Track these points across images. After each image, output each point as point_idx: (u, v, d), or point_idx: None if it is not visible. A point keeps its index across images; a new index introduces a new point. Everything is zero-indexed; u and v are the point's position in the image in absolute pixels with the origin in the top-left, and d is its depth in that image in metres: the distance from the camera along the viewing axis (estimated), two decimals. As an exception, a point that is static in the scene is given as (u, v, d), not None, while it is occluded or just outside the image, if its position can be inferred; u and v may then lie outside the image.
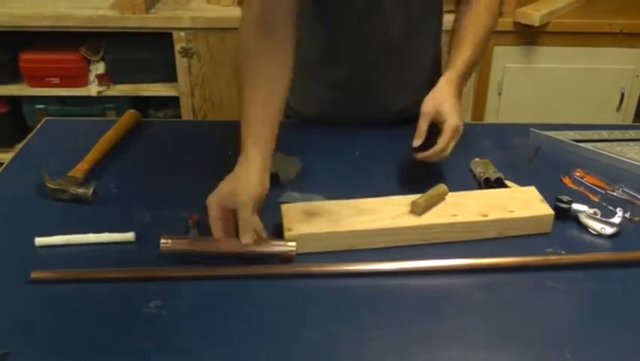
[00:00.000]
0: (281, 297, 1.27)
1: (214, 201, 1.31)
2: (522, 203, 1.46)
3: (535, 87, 3.14)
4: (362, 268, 1.33)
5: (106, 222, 1.45)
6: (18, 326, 1.19)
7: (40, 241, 1.38)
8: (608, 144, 1.80)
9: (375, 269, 1.32)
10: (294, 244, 1.34)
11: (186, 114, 3.25)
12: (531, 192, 1.51)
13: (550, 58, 3.10)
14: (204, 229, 1.40)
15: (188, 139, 1.88)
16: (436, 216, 1.42)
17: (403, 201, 1.46)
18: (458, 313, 1.25)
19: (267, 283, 1.30)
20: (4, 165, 1.71)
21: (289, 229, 1.38)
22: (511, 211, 1.44)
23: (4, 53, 3.20)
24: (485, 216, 1.42)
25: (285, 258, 1.34)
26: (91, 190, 1.53)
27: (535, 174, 1.64)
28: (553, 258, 1.37)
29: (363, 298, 1.27)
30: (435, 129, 1.55)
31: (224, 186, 1.33)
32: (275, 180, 1.51)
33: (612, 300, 1.28)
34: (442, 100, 1.57)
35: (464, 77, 1.66)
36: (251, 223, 1.29)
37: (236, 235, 1.30)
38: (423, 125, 1.55)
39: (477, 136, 1.84)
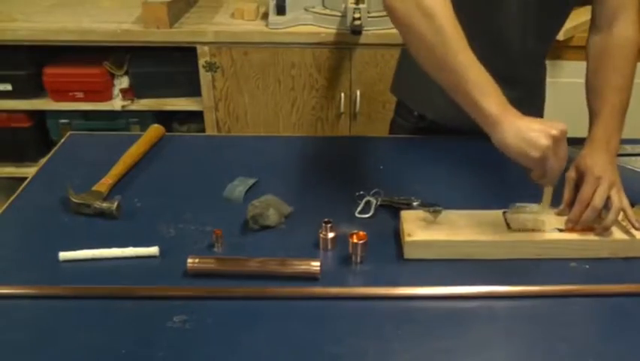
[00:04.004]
0: (304, 313, 1.25)
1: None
2: None
3: (559, 101, 3.10)
4: (388, 293, 1.30)
5: (130, 236, 1.44)
6: (41, 340, 1.18)
7: (64, 255, 1.37)
8: (632, 158, 1.81)
9: (401, 294, 1.30)
10: (318, 263, 1.33)
11: (210, 129, 3.25)
12: None
13: (575, 72, 3.04)
14: (228, 244, 1.40)
15: (212, 153, 1.87)
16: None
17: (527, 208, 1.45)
18: (483, 327, 1.22)
19: (291, 303, 1.28)
20: (28, 180, 1.71)
21: (409, 235, 1.39)
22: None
23: (29, 68, 3.22)
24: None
25: (310, 276, 1.33)
26: (115, 205, 1.52)
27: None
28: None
29: (387, 314, 1.25)
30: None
31: (534, 125, 1.28)
32: (260, 224, 1.49)
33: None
34: (585, 158, 1.48)
35: (614, 130, 1.54)
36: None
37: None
38: (567, 193, 1.47)
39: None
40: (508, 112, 1.29)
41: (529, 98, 1.79)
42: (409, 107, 1.98)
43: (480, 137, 1.36)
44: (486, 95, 1.29)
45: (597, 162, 1.45)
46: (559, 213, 1.45)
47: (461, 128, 1.64)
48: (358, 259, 1.37)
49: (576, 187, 1.46)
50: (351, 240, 1.36)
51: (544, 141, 1.25)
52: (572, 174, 1.47)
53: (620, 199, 1.42)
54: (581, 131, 1.83)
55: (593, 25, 1.67)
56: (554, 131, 1.26)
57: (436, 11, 1.33)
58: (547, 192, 1.40)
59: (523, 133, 1.26)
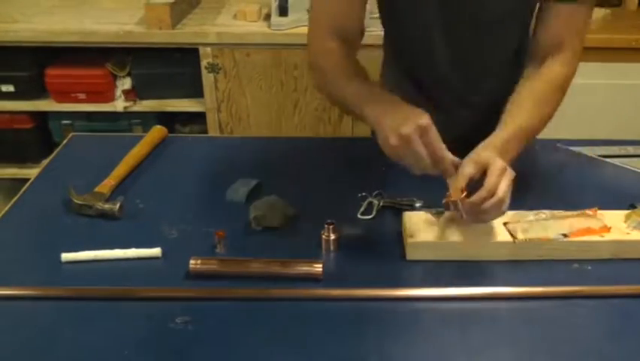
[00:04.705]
0: (307, 314, 1.25)
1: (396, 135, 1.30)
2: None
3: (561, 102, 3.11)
4: (390, 294, 1.30)
5: (132, 237, 1.43)
6: (43, 341, 1.17)
7: (66, 256, 1.37)
8: (634, 159, 1.80)
9: (403, 295, 1.30)
10: (320, 265, 1.33)
11: (213, 130, 3.25)
12: None
13: (577, 73, 3.06)
14: (231, 245, 1.40)
15: (215, 155, 1.86)
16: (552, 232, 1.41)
17: (528, 215, 1.45)
18: (485, 328, 1.22)
19: (293, 304, 1.28)
20: (30, 181, 1.70)
21: (411, 236, 1.39)
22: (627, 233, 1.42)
23: (31, 69, 3.22)
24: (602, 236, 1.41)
25: (312, 278, 1.33)
26: (117, 206, 1.52)
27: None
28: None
29: (389, 315, 1.25)
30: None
31: (390, 122, 1.32)
32: (262, 226, 1.49)
33: None
34: (480, 154, 1.38)
35: (508, 149, 1.42)
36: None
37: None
38: (458, 184, 1.33)
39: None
40: (379, 115, 1.37)
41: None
42: None
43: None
44: (366, 110, 1.41)
45: (495, 157, 1.35)
46: (447, 202, 1.36)
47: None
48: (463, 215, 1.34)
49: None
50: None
51: (392, 141, 1.30)
52: (469, 169, 1.34)
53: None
54: (583, 132, 1.84)
55: (530, 54, 1.61)
56: (404, 130, 1.28)
57: (320, 61, 1.60)
58: (450, 183, 1.35)
59: (380, 130, 1.34)
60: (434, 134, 1.30)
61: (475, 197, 1.31)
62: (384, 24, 1.78)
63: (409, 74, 1.78)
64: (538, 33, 1.58)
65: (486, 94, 1.75)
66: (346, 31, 1.59)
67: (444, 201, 1.35)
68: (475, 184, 1.33)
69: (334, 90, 1.58)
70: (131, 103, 3.24)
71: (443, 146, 1.31)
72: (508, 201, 1.32)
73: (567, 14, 1.53)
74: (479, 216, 1.34)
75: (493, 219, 1.38)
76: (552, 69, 1.55)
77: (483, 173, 1.33)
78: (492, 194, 1.30)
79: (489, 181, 1.30)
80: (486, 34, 1.64)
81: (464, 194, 1.31)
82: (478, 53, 1.68)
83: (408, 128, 1.28)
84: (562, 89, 1.56)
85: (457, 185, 1.32)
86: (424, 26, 1.63)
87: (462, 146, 1.38)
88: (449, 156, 1.32)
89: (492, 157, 1.34)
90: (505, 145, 1.41)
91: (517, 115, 1.48)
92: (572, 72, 1.58)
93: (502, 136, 1.43)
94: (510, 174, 1.33)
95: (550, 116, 1.53)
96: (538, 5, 1.58)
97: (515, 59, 1.70)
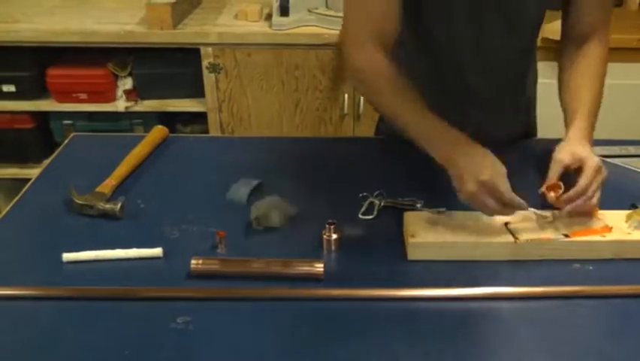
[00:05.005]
0: (308, 314, 1.25)
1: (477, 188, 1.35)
2: None
3: (556, 103, 3.11)
4: (391, 294, 1.30)
5: (133, 237, 1.44)
6: (45, 341, 1.18)
7: (67, 256, 1.37)
8: (635, 159, 1.80)
9: (404, 295, 1.30)
10: (321, 265, 1.33)
11: (214, 130, 3.24)
12: None
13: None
14: (232, 245, 1.40)
15: (216, 155, 1.87)
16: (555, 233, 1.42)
17: (528, 215, 1.45)
18: (486, 328, 1.23)
19: (294, 304, 1.28)
20: (31, 181, 1.71)
21: (413, 236, 1.39)
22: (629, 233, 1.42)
23: (32, 69, 3.21)
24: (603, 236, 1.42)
25: (313, 277, 1.33)
26: (118, 206, 1.52)
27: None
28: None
29: (390, 315, 1.25)
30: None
31: (469, 166, 1.38)
32: (263, 225, 1.49)
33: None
34: (576, 145, 1.51)
35: (590, 133, 1.57)
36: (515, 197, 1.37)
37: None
38: (553, 174, 1.49)
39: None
40: (451, 154, 1.43)
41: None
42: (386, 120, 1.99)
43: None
44: (432, 145, 1.47)
45: (590, 154, 1.47)
46: (544, 195, 1.48)
47: None
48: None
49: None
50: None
51: (470, 187, 1.36)
52: (564, 158, 1.49)
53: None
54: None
55: (566, 38, 1.72)
56: (483, 177, 1.35)
57: (368, 77, 1.58)
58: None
59: (457, 174, 1.40)
60: (507, 183, 1.37)
61: (572, 192, 1.43)
62: (407, 36, 1.76)
63: (433, 82, 1.76)
64: (573, 19, 1.69)
65: (501, 91, 1.81)
66: (385, 35, 1.56)
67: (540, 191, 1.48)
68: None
69: (387, 111, 1.60)
70: (133, 103, 3.23)
71: (512, 193, 1.37)
72: (599, 195, 1.45)
73: (596, 2, 1.65)
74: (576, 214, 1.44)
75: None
76: (593, 49, 1.66)
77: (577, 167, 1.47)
78: (584, 194, 1.42)
79: (584, 181, 1.43)
80: (511, 32, 1.69)
81: (556, 192, 1.45)
82: (501, 50, 1.72)
83: (486, 175, 1.35)
84: (605, 63, 1.68)
85: (552, 175, 1.48)
86: (453, 38, 1.66)
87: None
88: (517, 199, 1.38)
89: (588, 153, 1.46)
90: (589, 132, 1.54)
91: (584, 98, 1.59)
92: (608, 48, 1.69)
93: (582, 125, 1.54)
94: (604, 171, 1.46)
95: (602, 92, 1.65)
96: None
97: (525, 55, 1.80)
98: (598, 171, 1.44)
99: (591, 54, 1.66)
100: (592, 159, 1.45)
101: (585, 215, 1.44)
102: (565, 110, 1.62)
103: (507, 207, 1.37)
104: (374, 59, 1.54)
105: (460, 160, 1.40)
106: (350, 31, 1.60)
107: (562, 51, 1.72)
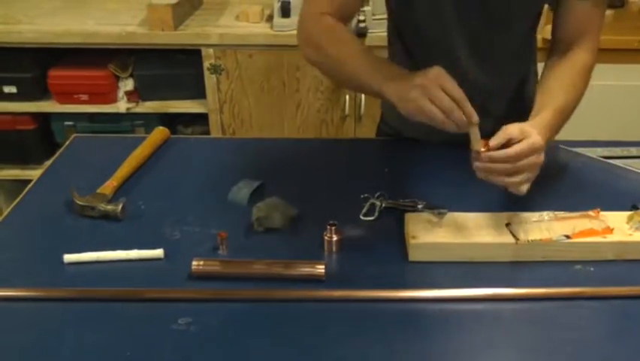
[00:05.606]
0: (309, 315, 1.25)
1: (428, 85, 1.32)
2: None
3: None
4: (392, 295, 1.30)
5: (134, 239, 1.44)
6: (46, 342, 1.18)
7: (68, 257, 1.37)
8: (637, 160, 1.80)
9: (405, 296, 1.30)
10: (323, 266, 1.33)
11: (215, 131, 3.25)
12: None
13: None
14: (233, 246, 1.40)
15: (217, 156, 1.87)
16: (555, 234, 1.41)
17: (530, 217, 1.45)
18: (487, 329, 1.22)
19: (295, 305, 1.28)
20: (32, 182, 1.71)
21: (414, 237, 1.39)
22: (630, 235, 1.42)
23: (33, 70, 3.22)
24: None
25: (315, 279, 1.33)
26: (119, 207, 1.52)
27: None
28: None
29: (392, 316, 1.24)
30: None
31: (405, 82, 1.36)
32: (264, 227, 1.49)
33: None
34: (529, 127, 1.40)
35: (551, 129, 1.47)
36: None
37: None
38: (494, 140, 1.34)
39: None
40: (389, 80, 1.41)
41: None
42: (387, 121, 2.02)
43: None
44: (370, 78, 1.46)
45: (537, 136, 1.37)
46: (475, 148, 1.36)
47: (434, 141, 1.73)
48: None
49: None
50: None
51: (412, 94, 1.33)
52: (513, 131, 1.35)
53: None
54: (585, 133, 1.84)
55: (553, 39, 1.70)
56: (418, 80, 1.32)
57: (321, 39, 1.57)
58: (471, 132, 1.34)
59: (398, 92, 1.37)
60: (450, 80, 1.33)
61: (497, 153, 1.33)
62: (396, 27, 1.78)
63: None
64: (560, 25, 1.67)
65: (501, 92, 1.82)
66: (347, 8, 1.62)
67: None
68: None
69: (335, 67, 1.58)
70: (134, 104, 3.24)
71: (460, 90, 1.33)
72: (525, 178, 1.36)
73: (587, 9, 1.61)
74: (490, 174, 1.36)
75: (500, 184, 1.37)
76: (578, 56, 1.63)
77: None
78: (512, 158, 1.32)
79: (519, 147, 1.33)
80: (502, 30, 1.68)
81: (486, 147, 1.33)
82: (495, 47, 1.72)
83: (422, 77, 1.33)
84: (588, 73, 1.64)
85: (493, 141, 1.34)
86: (443, 25, 1.65)
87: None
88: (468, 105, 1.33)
89: (536, 134, 1.36)
90: (548, 128, 1.45)
91: (554, 99, 1.53)
92: (594, 60, 1.65)
93: (545, 117, 1.46)
94: (541, 157, 1.36)
95: (579, 100, 1.60)
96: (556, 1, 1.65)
97: (520, 54, 1.79)
98: (534, 149, 1.34)
99: (575, 59, 1.63)
100: (536, 138, 1.35)
101: (497, 179, 1.35)
102: (533, 108, 1.55)
103: (460, 105, 1.31)
104: (325, 20, 1.58)
105: (394, 85, 1.40)
106: (311, 5, 1.62)
107: (549, 51, 1.71)
